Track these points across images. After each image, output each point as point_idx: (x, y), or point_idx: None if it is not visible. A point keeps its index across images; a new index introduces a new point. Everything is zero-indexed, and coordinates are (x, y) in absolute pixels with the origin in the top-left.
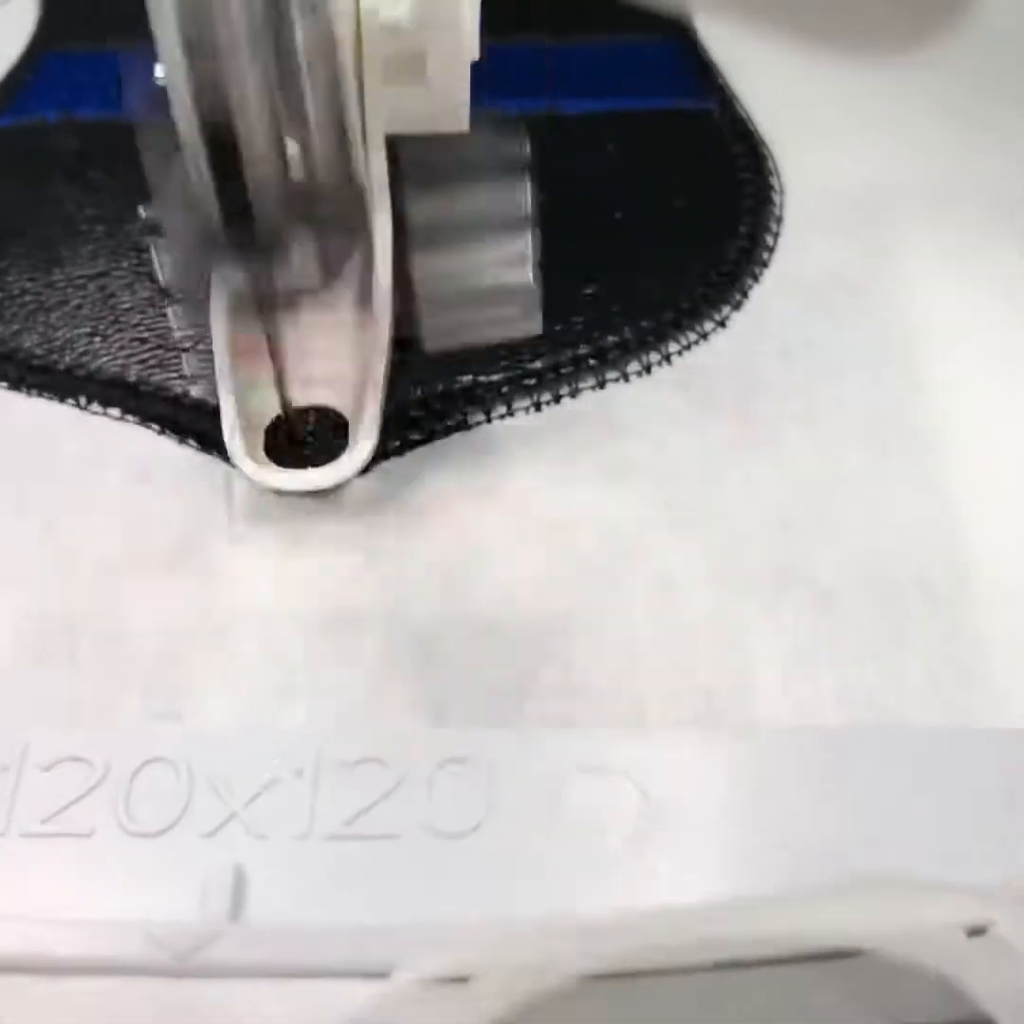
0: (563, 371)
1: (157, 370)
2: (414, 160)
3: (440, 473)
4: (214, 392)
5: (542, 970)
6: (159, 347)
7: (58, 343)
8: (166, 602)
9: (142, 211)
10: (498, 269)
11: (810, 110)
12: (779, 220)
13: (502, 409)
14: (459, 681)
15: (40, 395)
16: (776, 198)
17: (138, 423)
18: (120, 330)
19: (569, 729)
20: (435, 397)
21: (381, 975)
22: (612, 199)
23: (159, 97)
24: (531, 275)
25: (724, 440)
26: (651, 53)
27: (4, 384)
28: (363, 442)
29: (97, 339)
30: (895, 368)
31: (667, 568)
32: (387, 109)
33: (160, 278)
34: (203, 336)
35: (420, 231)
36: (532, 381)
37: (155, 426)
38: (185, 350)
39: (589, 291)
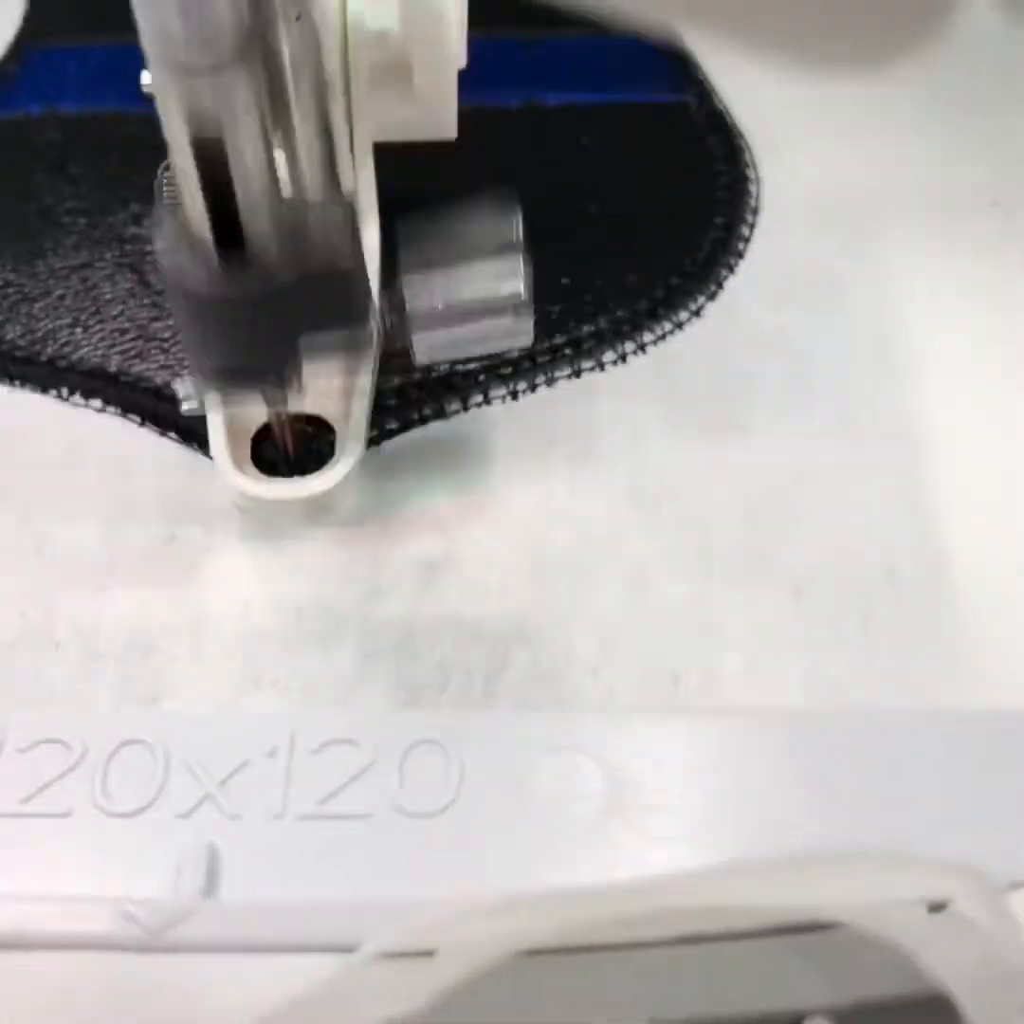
0: (539, 360)
1: (137, 361)
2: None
3: (416, 463)
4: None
5: (506, 942)
6: (140, 338)
7: (40, 334)
8: (144, 591)
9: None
10: (489, 283)
11: (788, 105)
12: (755, 211)
13: (479, 398)
14: (431, 667)
15: (22, 387)
16: (753, 189)
17: (119, 414)
18: (101, 321)
19: (537, 711)
20: (412, 386)
21: (351, 950)
22: (589, 190)
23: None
24: (523, 288)
25: (697, 429)
26: (630, 47)
27: None
28: (350, 452)
29: (79, 330)
30: (867, 359)
31: (638, 556)
32: (375, 117)
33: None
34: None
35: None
36: (508, 370)
37: (136, 417)
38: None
39: (565, 281)
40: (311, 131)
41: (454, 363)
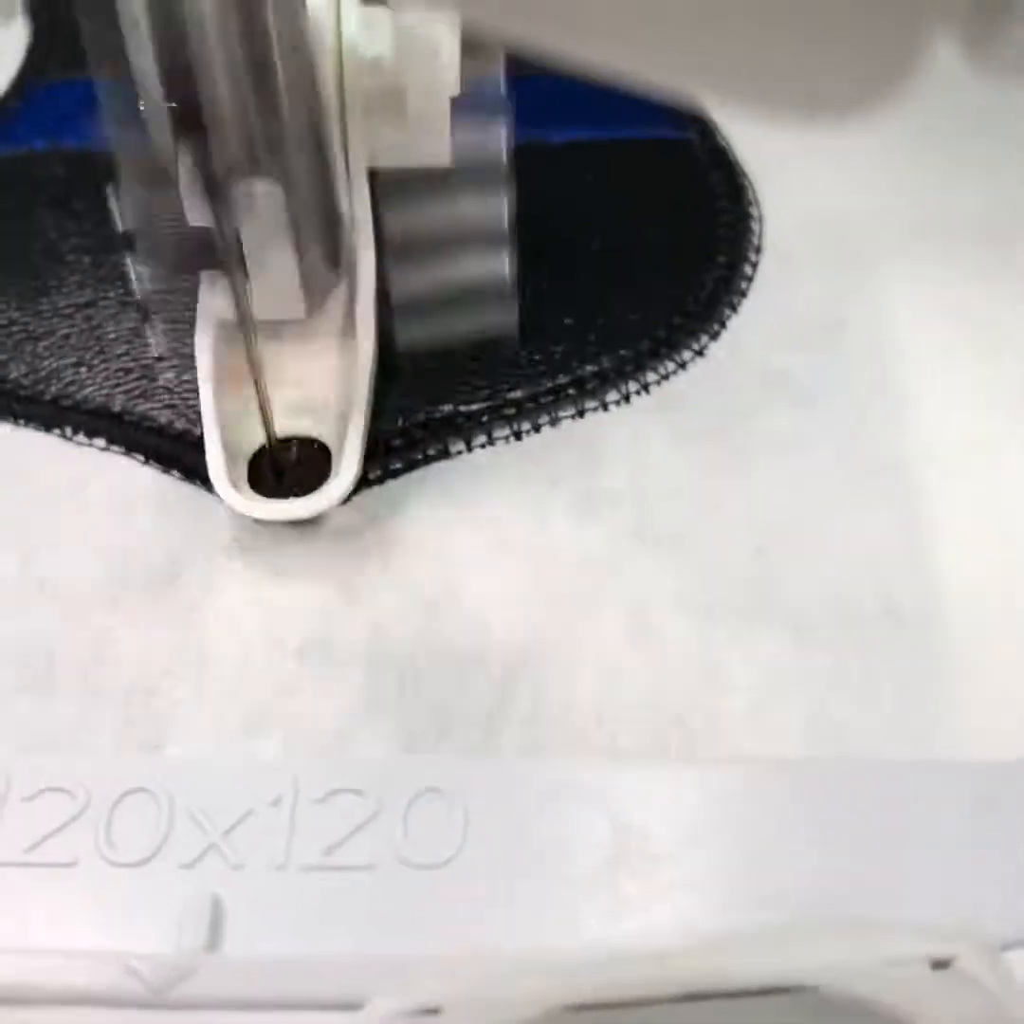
0: (542, 401)
1: (141, 401)
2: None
3: (420, 503)
4: (198, 422)
5: (512, 1003)
6: (144, 378)
7: (44, 373)
8: (147, 632)
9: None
10: (475, 272)
11: (790, 141)
12: (758, 250)
13: (482, 438)
14: (434, 710)
15: (26, 425)
16: (755, 227)
17: (123, 453)
18: (106, 361)
19: (542, 758)
20: (416, 426)
21: (356, 1007)
22: (592, 228)
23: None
24: (507, 273)
25: (700, 469)
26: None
27: None
28: (345, 472)
29: (83, 369)
30: (870, 399)
31: (641, 597)
32: (369, 145)
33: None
34: (188, 367)
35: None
36: (512, 411)
37: (140, 456)
38: (169, 388)
39: (568, 320)
40: (307, 157)
41: (454, 400)
